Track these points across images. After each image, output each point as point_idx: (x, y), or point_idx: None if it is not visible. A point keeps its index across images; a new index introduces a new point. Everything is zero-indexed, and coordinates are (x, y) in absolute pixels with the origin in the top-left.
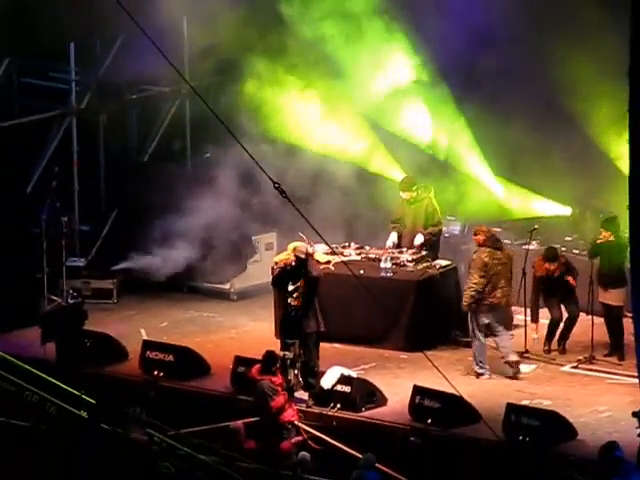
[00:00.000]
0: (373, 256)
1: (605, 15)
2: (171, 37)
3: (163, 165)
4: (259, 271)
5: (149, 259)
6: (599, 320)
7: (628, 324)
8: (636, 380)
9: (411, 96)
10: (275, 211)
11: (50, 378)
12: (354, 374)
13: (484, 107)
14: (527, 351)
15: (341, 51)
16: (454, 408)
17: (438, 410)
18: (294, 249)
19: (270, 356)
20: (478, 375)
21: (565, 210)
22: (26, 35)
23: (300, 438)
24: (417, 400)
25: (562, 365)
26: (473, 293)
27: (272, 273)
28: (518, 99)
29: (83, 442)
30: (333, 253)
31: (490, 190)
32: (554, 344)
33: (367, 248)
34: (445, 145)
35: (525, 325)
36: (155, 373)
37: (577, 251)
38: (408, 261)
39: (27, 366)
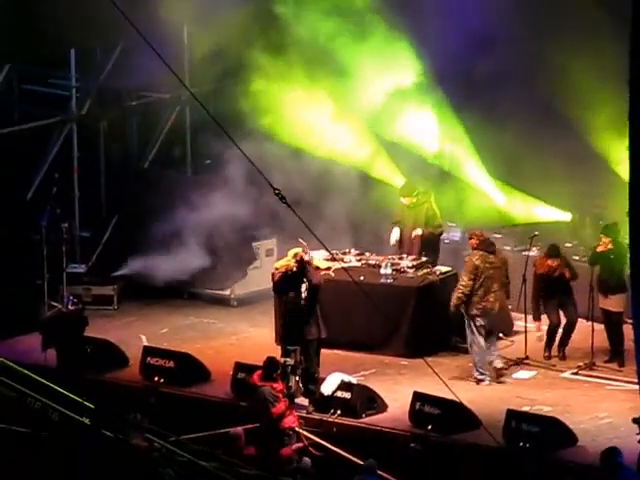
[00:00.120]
0: (373, 262)
1: (604, 21)
2: (171, 43)
3: (163, 171)
4: (259, 277)
5: (149, 265)
6: (599, 326)
7: (628, 330)
8: (636, 386)
9: (409, 101)
10: (278, 215)
11: (51, 384)
12: (354, 380)
13: (483, 113)
14: (527, 357)
15: (341, 54)
16: (454, 414)
17: (438, 416)
18: (294, 255)
19: (271, 363)
20: (478, 381)
21: (565, 216)
22: (26, 42)
23: (300, 444)
24: (417, 406)
25: (562, 371)
26: (460, 295)
27: (273, 279)
28: (517, 105)
29: (84, 448)
30: (333, 259)
31: (490, 196)
32: (554, 350)
33: (367, 254)
34: (445, 151)
35: (525, 331)
36: (155, 379)
37: (577, 257)
38: (408, 267)
39: (28, 372)
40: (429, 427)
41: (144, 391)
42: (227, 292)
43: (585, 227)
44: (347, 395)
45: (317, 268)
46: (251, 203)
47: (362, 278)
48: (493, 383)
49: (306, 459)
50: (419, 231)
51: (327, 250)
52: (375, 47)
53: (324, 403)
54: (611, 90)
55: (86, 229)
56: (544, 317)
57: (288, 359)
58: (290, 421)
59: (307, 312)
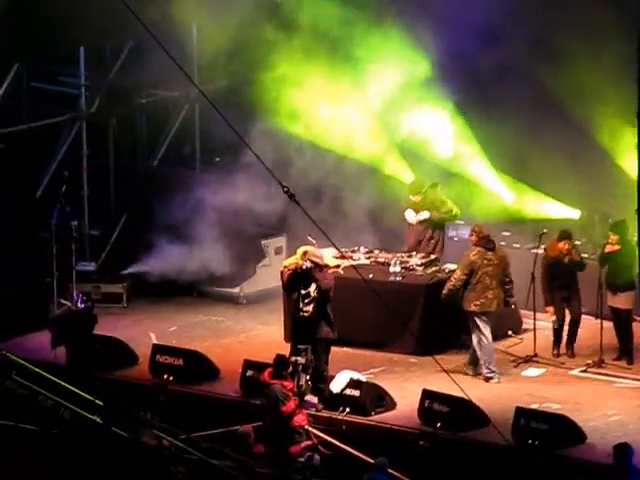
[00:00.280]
0: (382, 260)
1: (608, 16)
2: (180, 41)
3: (173, 169)
4: (268, 275)
5: (158, 263)
6: (608, 324)
7: (637, 328)
8: None
9: (413, 97)
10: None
11: (62, 382)
12: (363, 378)
13: (487, 109)
14: (536, 355)
15: (353, 46)
16: (463, 412)
17: (447, 414)
18: (304, 253)
19: (281, 360)
20: (487, 379)
21: (574, 213)
22: (36, 40)
23: (310, 442)
24: (426, 404)
25: (571, 369)
26: (451, 287)
27: (282, 277)
28: (521, 101)
29: (96, 446)
30: (342, 257)
31: (498, 193)
32: (563, 348)
33: (376, 252)
34: (451, 148)
35: (534, 329)
36: (165, 377)
37: (586, 255)
38: (417, 265)
39: (40, 370)
40: (438, 425)
41: (153, 389)
42: (236, 290)
43: (594, 225)
44: (356, 393)
45: (326, 266)
46: (262, 200)
47: (371, 276)
48: (502, 381)
49: (316, 456)
50: (426, 213)
51: (336, 248)
52: (379, 42)
53: (333, 401)
54: (617, 86)
55: (95, 227)
56: (547, 320)
57: (299, 358)
58: (300, 419)
59: (317, 311)
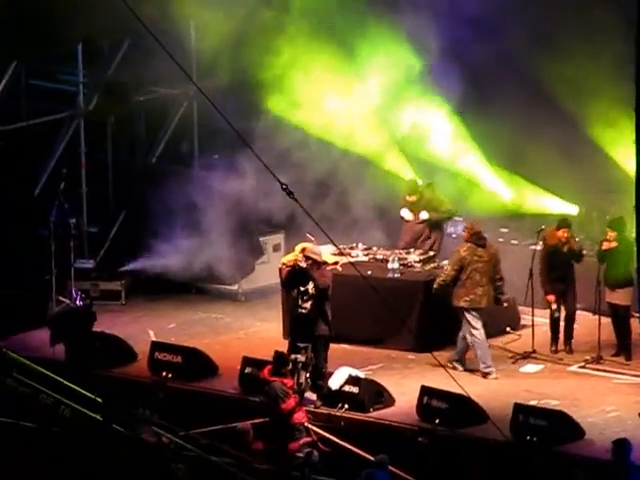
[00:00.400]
0: (380, 257)
1: (609, 16)
2: (179, 39)
3: (171, 167)
4: (267, 272)
5: (157, 260)
6: (606, 320)
7: (635, 324)
8: None
9: (409, 93)
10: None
11: (63, 380)
12: (362, 375)
13: (485, 105)
14: (534, 351)
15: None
16: (462, 408)
17: (446, 410)
18: (302, 250)
19: (280, 358)
20: (485, 375)
21: (572, 209)
22: (34, 38)
23: (309, 439)
24: (425, 400)
25: (569, 365)
26: (441, 282)
27: (280, 274)
28: (520, 97)
29: (96, 444)
30: (341, 254)
31: (497, 190)
32: (561, 344)
33: (374, 249)
34: (449, 145)
35: (532, 325)
36: (163, 374)
37: (584, 252)
38: (415, 262)
39: (41, 368)
40: (437, 421)
41: (152, 386)
42: (235, 287)
43: (592, 221)
44: (355, 389)
45: (325, 263)
46: (260, 197)
47: (369, 273)
48: (500, 377)
49: (314, 453)
50: (425, 214)
51: (334, 245)
52: (375, 34)
53: (332, 398)
54: (614, 83)
55: (94, 225)
56: (544, 316)
57: (299, 356)
58: (300, 417)
59: (316, 308)
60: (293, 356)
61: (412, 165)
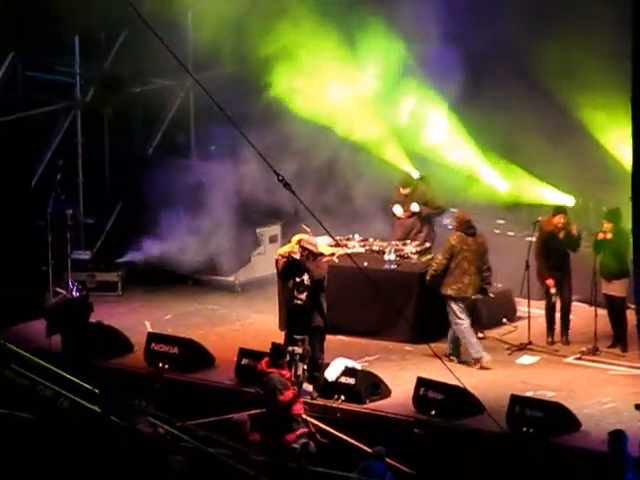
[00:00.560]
0: (377, 248)
1: (605, 6)
2: (176, 30)
3: (168, 157)
4: (263, 263)
5: (154, 251)
6: (602, 311)
7: (631, 315)
8: (639, 371)
9: (401, 85)
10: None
11: (61, 372)
12: (358, 366)
13: (480, 96)
14: (530, 342)
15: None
16: (458, 400)
17: (442, 402)
18: (298, 241)
19: (277, 349)
20: (477, 360)
21: (568, 200)
22: (31, 29)
23: (305, 430)
24: (421, 392)
25: (565, 356)
26: (433, 272)
27: (276, 265)
28: (514, 87)
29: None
30: (337, 245)
31: (493, 181)
32: (557, 335)
33: (371, 240)
34: (444, 137)
35: (529, 316)
36: (160, 365)
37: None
38: (412, 253)
39: (39, 360)
40: (433, 412)
41: (149, 377)
42: (231, 278)
43: (588, 212)
44: (351, 381)
45: (321, 254)
46: (257, 188)
47: (366, 264)
48: (496, 368)
49: (311, 444)
50: (416, 206)
51: (331, 236)
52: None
53: (328, 389)
54: (611, 73)
55: (90, 216)
56: (540, 307)
57: (296, 347)
58: (298, 408)
59: (311, 300)
60: (290, 348)
61: (408, 156)
